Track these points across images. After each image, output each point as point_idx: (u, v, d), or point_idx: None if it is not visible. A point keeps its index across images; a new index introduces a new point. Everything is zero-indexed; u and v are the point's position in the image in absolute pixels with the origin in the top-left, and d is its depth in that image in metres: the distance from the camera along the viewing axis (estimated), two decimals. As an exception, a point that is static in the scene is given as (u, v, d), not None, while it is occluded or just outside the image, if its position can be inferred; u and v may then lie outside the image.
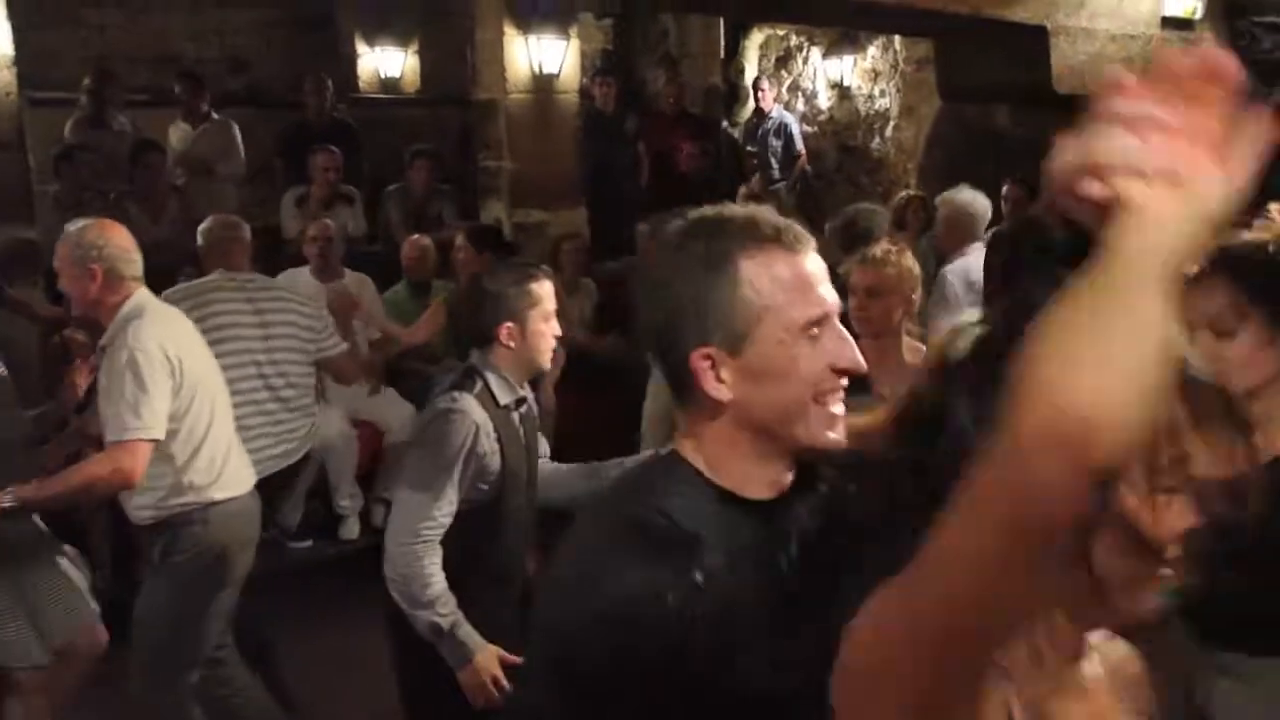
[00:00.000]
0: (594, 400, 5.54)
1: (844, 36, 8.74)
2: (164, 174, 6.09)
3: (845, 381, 1.16)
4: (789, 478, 1.19)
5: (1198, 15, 5.41)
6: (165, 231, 5.61)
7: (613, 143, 8.11)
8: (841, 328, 1.18)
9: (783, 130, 8.67)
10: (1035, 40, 4.76)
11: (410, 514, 2.29)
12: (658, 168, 8.40)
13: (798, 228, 1.18)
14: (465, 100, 6.85)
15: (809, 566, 1.12)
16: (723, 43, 9.53)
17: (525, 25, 6.31)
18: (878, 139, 8.71)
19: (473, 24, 6.44)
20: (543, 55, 6.33)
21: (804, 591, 1.09)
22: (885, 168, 8.60)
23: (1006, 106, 6.57)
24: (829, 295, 1.17)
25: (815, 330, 1.15)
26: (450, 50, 7.26)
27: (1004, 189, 5.31)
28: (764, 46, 9.61)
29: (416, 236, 5.58)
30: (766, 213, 1.19)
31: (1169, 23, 5.33)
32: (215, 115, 6.59)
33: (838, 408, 1.16)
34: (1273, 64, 5.60)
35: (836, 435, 1.15)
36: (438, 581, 2.26)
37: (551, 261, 5.84)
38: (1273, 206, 2.07)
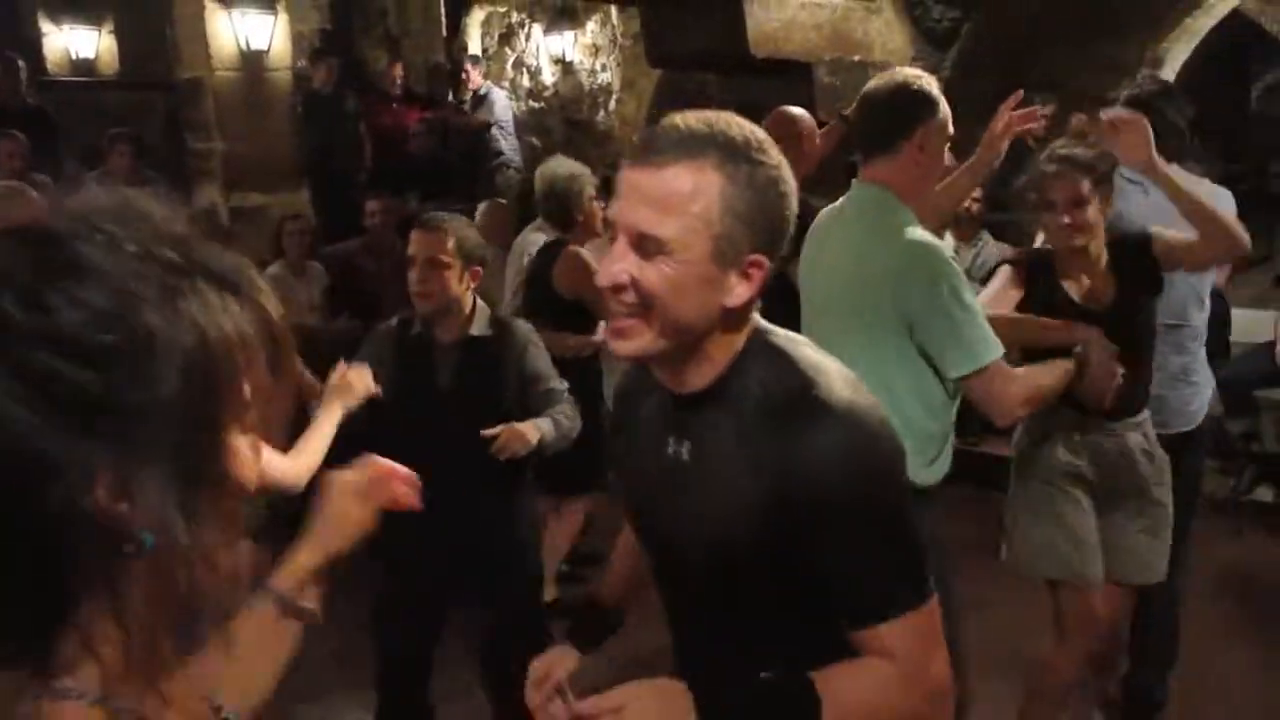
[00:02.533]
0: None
1: (562, 12, 8.87)
2: None
3: (626, 298, 1.18)
4: (683, 377, 1.25)
5: (876, -15, 5.86)
6: None
7: (334, 123, 7.91)
8: (618, 245, 1.18)
9: (492, 106, 8.72)
10: (731, 6, 5.01)
11: None
12: (384, 147, 8.26)
13: (665, 138, 1.18)
14: (168, 80, 6.46)
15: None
16: (444, 20, 9.44)
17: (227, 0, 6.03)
18: (602, 113, 8.90)
19: (170, -2, 6.08)
20: (249, 31, 6.07)
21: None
22: (612, 140, 8.80)
23: (714, 75, 6.88)
24: (622, 210, 1.18)
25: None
26: (149, 27, 6.83)
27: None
28: (486, 23, 9.59)
29: None
30: (663, 127, 1.19)
31: (851, -8, 5.75)
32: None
33: (616, 322, 1.20)
34: (943, 32, 6.17)
35: (616, 347, 1.22)
36: None
37: (275, 245, 5.64)
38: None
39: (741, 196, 1.16)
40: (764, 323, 1.29)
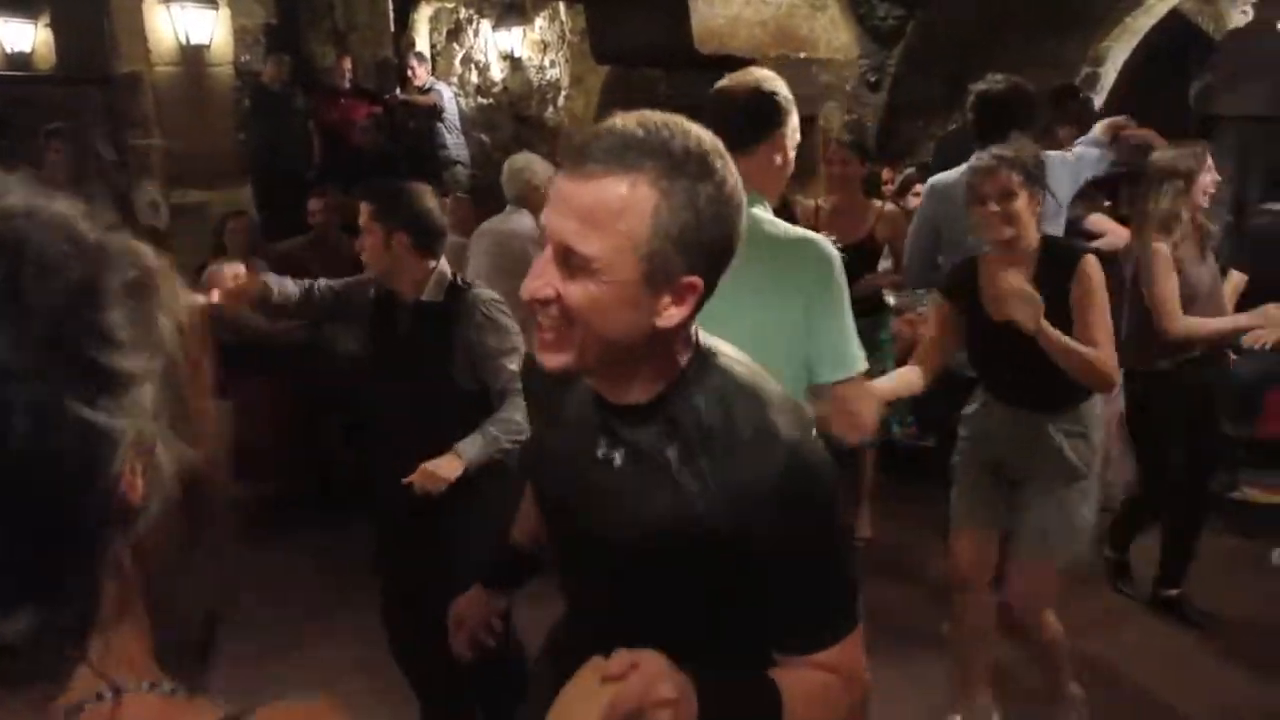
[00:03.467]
0: (271, 387, 5.34)
1: (511, 8, 8.83)
2: None
3: (550, 312, 1.12)
4: (618, 390, 1.21)
5: (822, -16, 5.90)
6: None
7: (283, 120, 7.82)
8: (544, 256, 1.11)
9: (431, 95, 8.69)
10: (676, 3, 5.01)
11: None
12: (331, 143, 8.18)
13: (600, 145, 1.09)
14: (106, 75, 6.33)
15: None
16: (392, 16, 9.36)
17: (166, -8, 5.92)
18: (551, 109, 8.88)
19: (106, -9, 5.96)
20: (189, 25, 5.96)
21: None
22: (560, 136, 8.78)
23: (663, 72, 6.89)
24: (550, 219, 1.10)
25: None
26: (86, 21, 6.68)
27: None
28: (434, 19, 9.52)
29: None
30: (600, 132, 1.11)
31: (795, -10, 5.78)
32: None
33: (541, 333, 1.15)
34: (888, 30, 6.22)
35: (541, 360, 1.16)
36: None
37: (216, 243, 5.55)
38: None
39: (677, 217, 1.07)
40: (709, 341, 1.24)
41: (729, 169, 1.13)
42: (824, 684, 1.22)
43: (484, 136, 8.94)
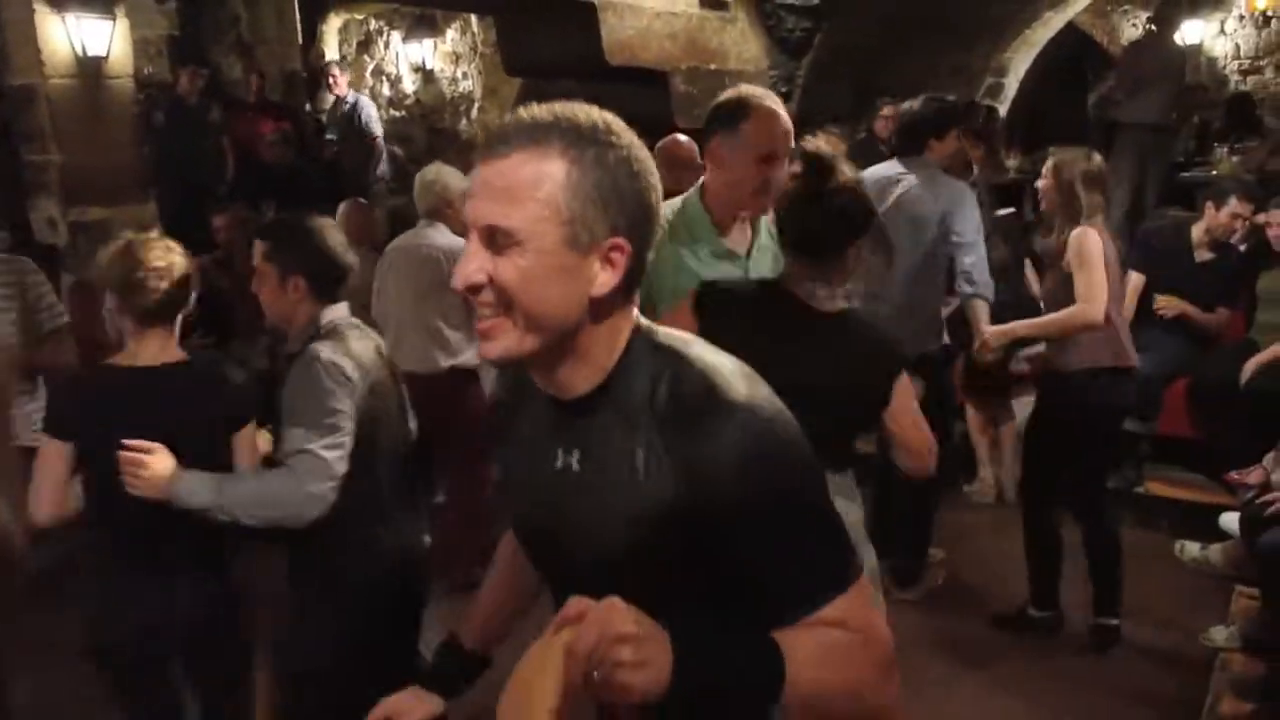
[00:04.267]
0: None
1: (421, 20, 8.76)
2: None
3: (485, 297, 1.14)
4: (563, 382, 1.21)
5: (730, -4, 5.97)
6: None
7: (196, 134, 7.65)
8: (470, 243, 1.14)
9: (358, 114, 8.56)
10: (585, 16, 5.01)
11: None
12: (240, 158, 8.02)
13: (510, 129, 1.14)
14: (-2, 88, 6.09)
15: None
16: (299, 28, 9.20)
17: (61, 3, 5.72)
18: (465, 120, 8.83)
19: (-5, 0, 5.73)
20: (85, 36, 5.77)
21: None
22: (474, 148, 8.73)
23: (573, 82, 6.88)
24: (472, 206, 1.14)
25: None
26: (-26, 32, 6.43)
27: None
28: (343, 30, 9.40)
29: None
30: (508, 121, 1.16)
31: (706, 2, 5.83)
32: None
33: (479, 323, 1.16)
34: (796, 41, 6.31)
35: (482, 350, 1.17)
36: None
37: (119, 260, 5.39)
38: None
39: (589, 177, 1.12)
40: (647, 321, 1.24)
41: (635, 140, 1.17)
42: (834, 642, 1.14)
43: (397, 149, 8.83)
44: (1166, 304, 4.78)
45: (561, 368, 1.20)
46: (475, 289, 1.13)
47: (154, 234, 2.50)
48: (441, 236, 4.20)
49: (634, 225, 1.16)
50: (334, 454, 2.24)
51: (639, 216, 1.16)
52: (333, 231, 2.45)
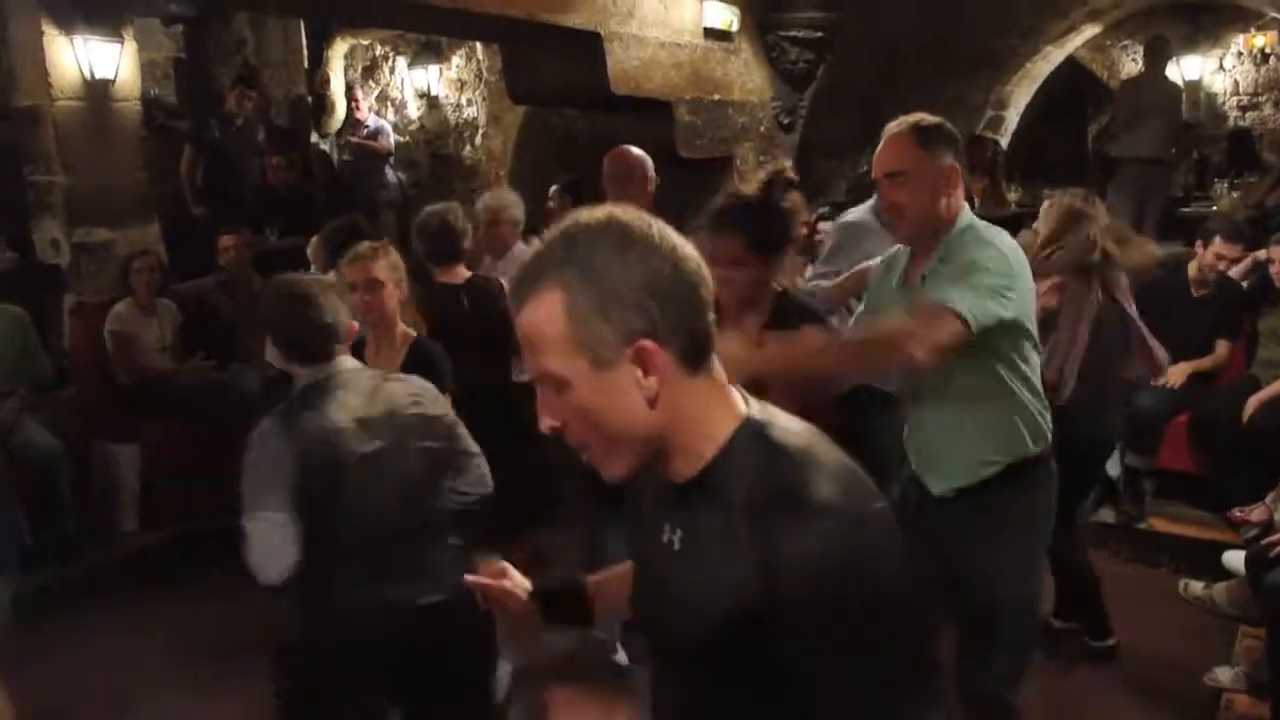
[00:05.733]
0: (186, 430, 5.18)
1: (427, 46, 8.81)
2: None
3: (572, 436, 1.20)
4: (670, 468, 1.22)
5: (734, 28, 6.00)
6: None
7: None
8: (541, 393, 1.21)
9: (375, 138, 8.61)
10: (591, 46, 5.04)
11: None
12: (244, 181, 8.03)
13: (514, 283, 1.19)
14: (3, 109, 6.11)
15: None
16: (305, 52, 9.24)
17: (69, 25, 5.74)
18: (469, 147, 8.86)
19: (4, 22, 5.76)
20: (93, 58, 5.79)
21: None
22: (478, 174, 8.77)
23: (580, 111, 6.93)
24: (526, 360, 1.23)
25: None
26: (-19, 53, 6.45)
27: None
28: (349, 56, 9.44)
29: None
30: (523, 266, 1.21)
31: (710, 34, 5.87)
32: None
33: (586, 454, 1.21)
34: (799, 73, 6.36)
35: (606, 477, 1.23)
36: None
37: (121, 283, 5.40)
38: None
39: (584, 297, 1.12)
40: (761, 410, 1.23)
41: (613, 220, 1.16)
42: None
43: (401, 175, 8.86)
44: (1176, 375, 4.75)
45: (670, 461, 1.22)
46: (560, 430, 1.20)
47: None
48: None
49: (648, 318, 1.13)
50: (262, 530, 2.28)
51: (650, 307, 1.13)
52: (321, 298, 2.43)
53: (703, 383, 1.19)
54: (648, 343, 1.13)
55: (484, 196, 4.58)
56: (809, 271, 4.27)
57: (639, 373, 1.14)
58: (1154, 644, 3.85)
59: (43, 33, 5.68)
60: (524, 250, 4.13)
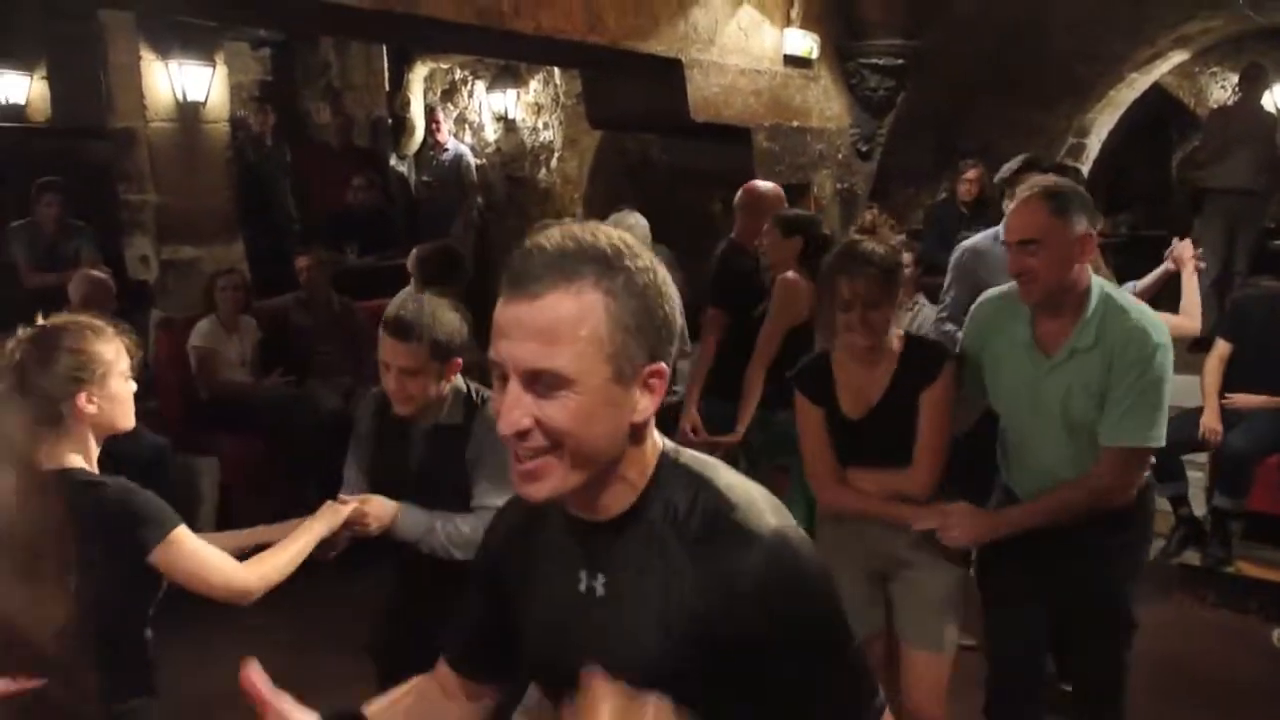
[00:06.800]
0: (254, 444, 5.28)
1: (506, 70, 8.92)
2: None
3: (531, 441, 1.11)
4: (596, 506, 1.19)
5: (814, 55, 5.98)
6: None
7: (275, 173, 7.86)
8: (511, 388, 1.11)
9: (458, 162, 8.75)
10: (672, 72, 5.06)
11: None
12: (324, 201, 8.21)
13: (536, 263, 1.10)
14: (101, 129, 6.34)
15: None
16: (387, 75, 9.43)
17: (165, 50, 5.95)
18: (544, 170, 8.94)
19: (104, 47, 5.98)
20: (186, 82, 5.99)
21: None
22: (552, 198, 8.84)
23: (655, 136, 6.96)
24: (509, 348, 1.10)
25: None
26: (82, 75, 6.70)
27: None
28: (429, 79, 9.60)
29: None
30: (531, 253, 1.12)
31: (790, 61, 5.86)
32: None
33: (522, 465, 1.12)
34: (879, 100, 6.31)
35: (526, 492, 1.14)
36: None
37: (207, 299, 5.54)
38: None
39: (626, 308, 1.10)
40: (668, 441, 1.23)
41: (654, 258, 1.16)
42: None
43: (478, 197, 8.97)
44: (1240, 401, 4.59)
45: (601, 493, 1.18)
46: (523, 435, 1.10)
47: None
48: None
49: (665, 346, 1.15)
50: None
51: (668, 337, 1.15)
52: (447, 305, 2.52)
53: (652, 425, 1.20)
54: (662, 365, 1.14)
55: (611, 219, 4.65)
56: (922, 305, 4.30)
57: (644, 395, 1.14)
58: (1243, 694, 3.71)
59: (140, 57, 5.90)
60: None
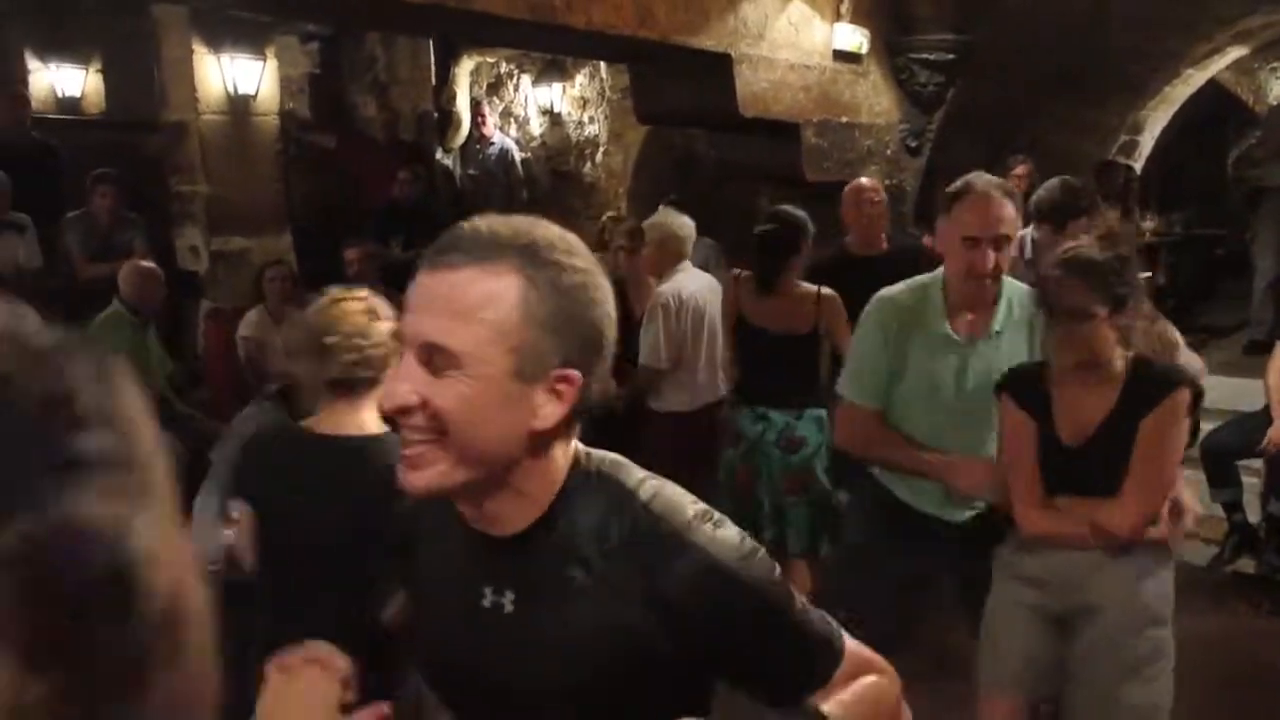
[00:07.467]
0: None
1: (552, 64, 8.93)
2: None
3: (415, 421, 1.04)
4: (496, 518, 1.12)
5: (864, 50, 5.93)
6: None
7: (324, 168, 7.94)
8: (405, 361, 1.05)
9: (505, 156, 8.79)
10: (721, 67, 5.04)
11: None
12: (370, 194, 8.27)
13: (461, 240, 1.05)
14: (154, 122, 6.43)
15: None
16: (433, 69, 9.49)
17: (217, 44, 6.02)
18: (589, 164, 8.95)
19: (158, 41, 6.07)
20: (237, 75, 6.06)
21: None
22: (597, 192, 8.84)
23: (703, 131, 6.93)
24: (410, 320, 1.05)
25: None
26: (136, 69, 6.81)
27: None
28: (475, 73, 9.64)
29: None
30: (461, 229, 1.07)
31: (840, 56, 5.81)
32: None
33: (409, 449, 1.05)
34: (929, 96, 6.24)
35: (408, 480, 1.06)
36: None
37: (255, 290, 5.60)
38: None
39: (544, 302, 1.03)
40: (582, 446, 1.15)
41: (590, 259, 1.09)
42: (868, 683, 1.21)
43: (523, 191, 9.01)
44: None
45: (492, 502, 1.10)
46: (405, 411, 1.03)
47: (361, 293, 2.25)
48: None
49: (586, 355, 1.07)
50: None
51: (592, 345, 1.08)
52: None
53: (567, 437, 1.12)
54: (574, 372, 1.06)
55: (654, 215, 4.57)
56: None
57: (549, 400, 1.06)
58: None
59: (192, 51, 5.97)
60: (686, 273, 4.24)
